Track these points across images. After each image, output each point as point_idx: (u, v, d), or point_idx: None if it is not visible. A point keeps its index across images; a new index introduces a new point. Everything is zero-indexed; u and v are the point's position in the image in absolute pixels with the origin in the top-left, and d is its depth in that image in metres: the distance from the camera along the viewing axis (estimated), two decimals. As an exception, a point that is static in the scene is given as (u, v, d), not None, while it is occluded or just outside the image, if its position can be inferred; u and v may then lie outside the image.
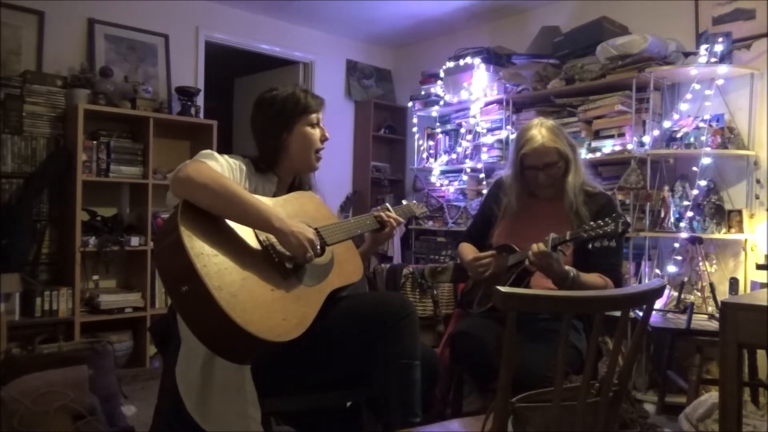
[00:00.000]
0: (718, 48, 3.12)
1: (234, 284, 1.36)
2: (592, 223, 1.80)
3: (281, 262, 1.52)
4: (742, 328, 1.41)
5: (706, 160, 3.16)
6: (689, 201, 3.20)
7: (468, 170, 4.28)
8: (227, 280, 1.36)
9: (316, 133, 1.80)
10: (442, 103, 4.44)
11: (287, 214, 1.63)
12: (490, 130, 4.13)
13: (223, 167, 1.60)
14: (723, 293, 3.09)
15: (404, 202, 2.17)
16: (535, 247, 1.82)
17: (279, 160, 1.78)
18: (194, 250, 1.34)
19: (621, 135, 3.36)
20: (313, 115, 1.79)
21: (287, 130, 1.76)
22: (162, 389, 1.81)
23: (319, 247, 1.58)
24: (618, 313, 1.16)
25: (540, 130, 2.04)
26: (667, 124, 3.35)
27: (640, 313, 1.22)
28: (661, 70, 3.20)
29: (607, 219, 1.76)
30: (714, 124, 3.21)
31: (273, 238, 1.53)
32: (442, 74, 4.38)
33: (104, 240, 3.45)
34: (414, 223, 4.61)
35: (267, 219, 1.48)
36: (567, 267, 1.87)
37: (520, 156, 2.06)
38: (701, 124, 3.21)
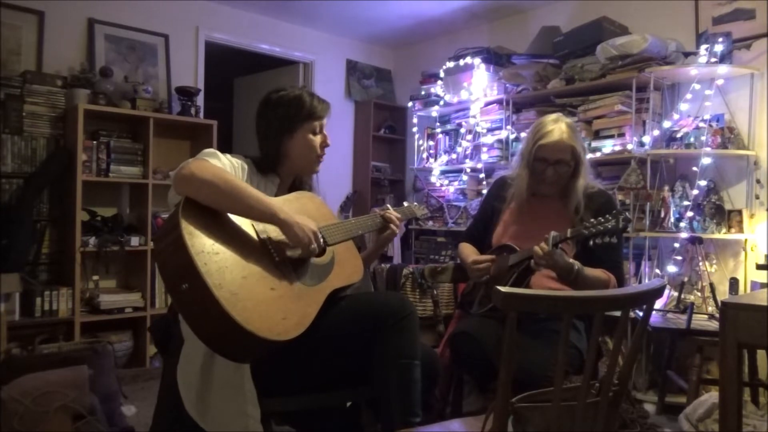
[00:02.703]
0: (718, 48, 3.12)
1: (234, 282, 1.37)
2: (592, 219, 1.80)
3: (282, 261, 1.52)
4: (742, 328, 1.40)
5: (706, 160, 3.16)
6: (689, 201, 3.20)
7: (468, 170, 4.28)
8: (228, 278, 1.36)
9: (317, 140, 1.79)
10: (442, 103, 4.44)
11: (288, 212, 1.63)
12: (490, 130, 4.13)
13: (225, 166, 1.60)
14: (723, 293, 3.08)
15: (405, 203, 2.17)
16: (538, 250, 1.82)
17: (280, 162, 1.78)
18: (195, 248, 1.34)
19: (621, 135, 3.36)
20: (316, 122, 1.78)
21: (289, 134, 1.75)
22: (162, 389, 1.81)
23: (322, 240, 1.57)
24: (618, 313, 1.16)
25: (560, 125, 2.04)
26: (667, 124, 3.35)
27: (640, 313, 1.22)
28: (661, 70, 3.20)
29: (607, 216, 1.76)
30: (714, 124, 3.21)
31: (273, 235, 1.53)
32: (442, 74, 4.38)
33: (104, 240, 3.45)
34: (414, 223, 4.61)
35: (272, 211, 1.49)
36: (571, 260, 1.87)
37: (536, 146, 2.04)
38: (701, 124, 3.21)
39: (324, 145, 1.81)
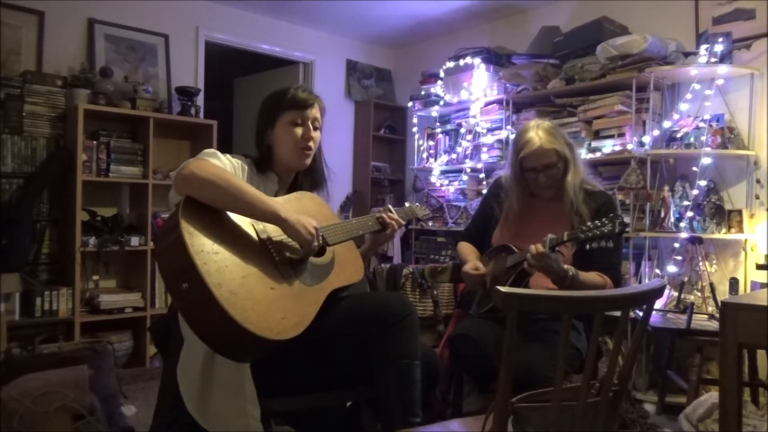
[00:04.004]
0: (718, 48, 3.12)
1: (234, 282, 1.37)
2: (589, 223, 1.80)
3: (282, 261, 1.52)
4: (742, 328, 1.40)
5: (706, 160, 3.16)
6: (689, 201, 3.20)
7: (468, 170, 4.28)
8: (227, 277, 1.36)
9: (298, 131, 1.74)
10: (442, 103, 4.44)
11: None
12: (490, 130, 4.13)
13: (225, 166, 1.60)
14: (723, 293, 3.08)
15: (407, 203, 2.17)
16: (533, 248, 1.82)
17: (271, 158, 1.78)
18: (194, 247, 1.34)
19: (621, 135, 3.36)
20: (297, 112, 1.74)
21: (271, 126, 1.76)
22: (162, 389, 1.81)
23: (322, 239, 1.57)
24: (618, 313, 1.16)
25: (537, 132, 2.05)
26: (667, 124, 3.35)
27: (640, 313, 1.22)
28: (661, 70, 3.20)
29: (604, 219, 1.76)
30: (714, 124, 3.21)
31: (272, 235, 1.53)
32: (442, 74, 4.38)
33: (104, 240, 3.45)
34: (414, 223, 4.61)
35: (273, 210, 1.48)
36: (566, 266, 1.87)
37: (519, 159, 2.07)
38: (701, 124, 3.20)
39: (306, 137, 1.75)
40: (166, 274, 1.42)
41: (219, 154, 1.63)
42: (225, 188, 1.45)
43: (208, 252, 1.37)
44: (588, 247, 1.79)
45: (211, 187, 1.44)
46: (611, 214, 1.79)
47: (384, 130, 5.15)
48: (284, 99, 1.75)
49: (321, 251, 1.64)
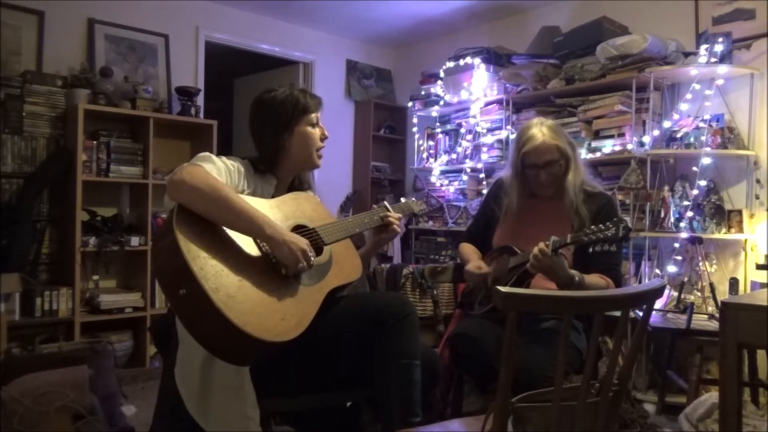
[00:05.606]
0: (718, 48, 3.12)
1: (231, 286, 1.36)
2: (593, 227, 1.79)
3: (279, 263, 1.52)
4: (742, 328, 1.40)
5: (706, 160, 3.16)
6: (689, 201, 3.20)
7: (468, 170, 4.27)
8: (224, 281, 1.35)
9: (317, 132, 1.80)
10: (442, 103, 4.44)
11: (284, 214, 1.63)
12: (490, 130, 4.13)
13: (220, 170, 1.59)
14: (723, 293, 3.08)
15: (403, 199, 2.16)
16: (536, 250, 1.82)
17: (279, 161, 1.77)
18: (190, 252, 1.34)
19: (621, 135, 3.36)
20: (313, 115, 1.79)
21: (288, 131, 1.75)
22: (162, 389, 1.81)
23: (312, 255, 1.54)
24: (618, 313, 1.16)
25: (541, 128, 2.05)
26: (667, 124, 3.35)
27: (640, 313, 1.22)
28: (661, 70, 3.20)
29: (608, 223, 1.75)
30: (714, 124, 3.21)
31: None
32: (442, 74, 4.38)
33: (104, 240, 3.45)
34: (414, 223, 4.61)
35: (259, 227, 1.47)
36: (572, 271, 1.87)
37: (521, 154, 2.07)
38: (701, 124, 3.20)
39: (323, 137, 1.82)
40: (163, 280, 1.41)
41: (214, 157, 1.61)
42: (213, 199, 1.44)
43: (205, 257, 1.36)
44: (591, 250, 1.79)
45: (199, 197, 1.44)
46: (615, 219, 1.78)
47: (384, 130, 5.15)
48: (298, 104, 1.76)
49: (319, 251, 1.64)
